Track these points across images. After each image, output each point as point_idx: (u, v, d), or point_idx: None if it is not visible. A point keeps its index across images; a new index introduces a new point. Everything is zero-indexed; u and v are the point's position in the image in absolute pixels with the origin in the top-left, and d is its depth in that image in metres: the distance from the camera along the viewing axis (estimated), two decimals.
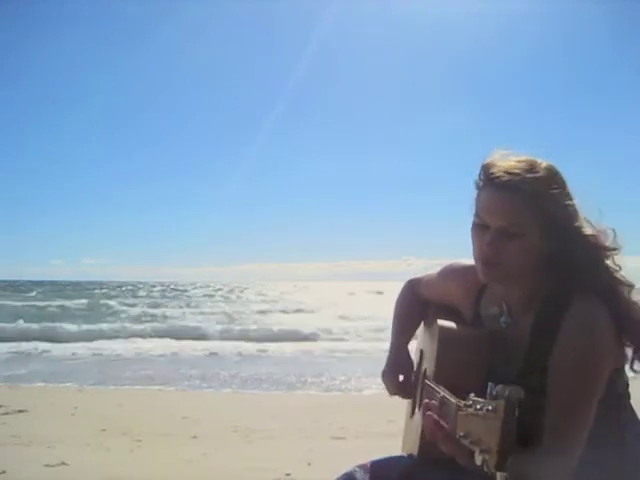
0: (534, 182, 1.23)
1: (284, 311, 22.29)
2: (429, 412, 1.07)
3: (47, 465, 3.81)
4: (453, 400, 1.02)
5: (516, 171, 1.24)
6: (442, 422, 1.04)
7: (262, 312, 21.32)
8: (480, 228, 1.29)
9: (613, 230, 1.30)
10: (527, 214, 1.23)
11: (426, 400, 1.13)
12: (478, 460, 0.89)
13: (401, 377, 1.59)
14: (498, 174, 1.25)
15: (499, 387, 0.88)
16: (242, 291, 40.58)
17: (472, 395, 0.96)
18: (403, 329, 1.65)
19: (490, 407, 0.87)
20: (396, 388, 1.59)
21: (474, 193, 1.34)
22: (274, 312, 21.79)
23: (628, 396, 1.34)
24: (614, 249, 1.29)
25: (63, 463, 3.86)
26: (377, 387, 7.33)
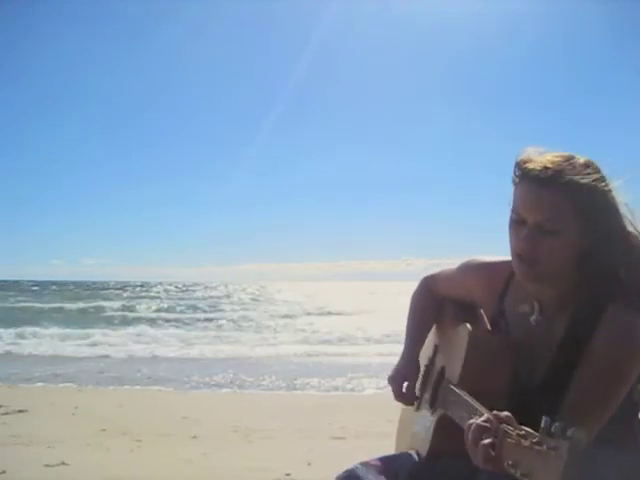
0: (572, 176, 1.20)
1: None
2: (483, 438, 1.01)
3: (47, 465, 3.81)
4: (499, 424, 0.99)
5: (552, 165, 1.22)
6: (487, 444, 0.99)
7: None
8: (517, 224, 1.26)
9: None
10: (565, 209, 1.21)
11: (479, 422, 1.04)
12: None
13: (405, 384, 1.58)
14: (534, 168, 1.23)
15: (558, 425, 0.86)
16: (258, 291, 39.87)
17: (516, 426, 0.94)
18: (417, 333, 1.64)
19: (551, 445, 0.85)
20: (401, 396, 1.58)
21: (511, 190, 1.30)
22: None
23: None
24: None
25: (63, 463, 3.86)
26: (377, 387, 7.35)
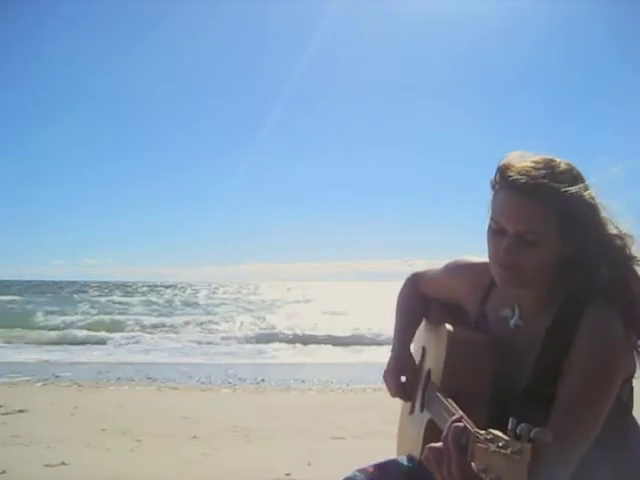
0: (552, 183, 1.18)
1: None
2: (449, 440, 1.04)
3: (47, 465, 3.82)
4: (471, 429, 1.00)
5: (534, 173, 1.19)
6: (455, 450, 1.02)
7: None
8: (497, 232, 1.25)
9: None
10: (545, 219, 1.19)
11: (457, 423, 1.07)
12: None
13: (403, 379, 1.56)
14: (515, 176, 1.20)
15: (523, 426, 0.86)
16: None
17: (487, 429, 0.94)
18: (406, 328, 1.63)
19: (515, 449, 0.85)
20: (398, 390, 1.56)
21: (490, 194, 1.30)
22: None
23: (632, 405, 1.33)
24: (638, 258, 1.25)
25: (63, 463, 3.86)
26: (377, 387, 7.34)
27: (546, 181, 1.19)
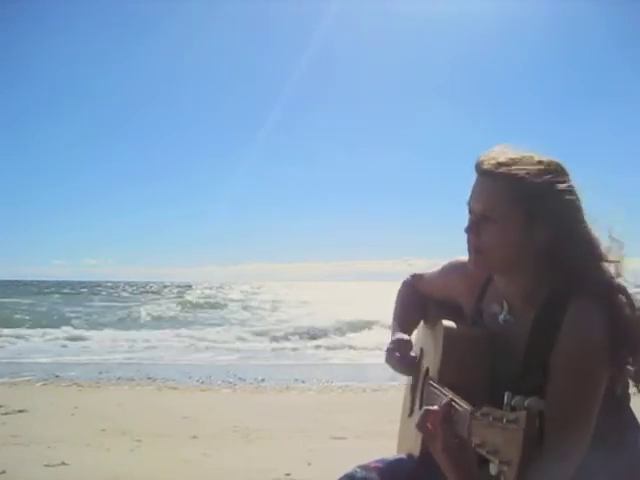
0: (515, 168, 1.24)
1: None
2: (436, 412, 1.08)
3: (47, 465, 3.82)
4: (467, 407, 1.01)
5: (501, 159, 1.26)
6: (445, 427, 1.05)
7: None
8: (469, 216, 1.31)
9: (615, 239, 1.29)
10: (507, 200, 1.24)
11: (435, 407, 1.12)
12: (494, 470, 0.89)
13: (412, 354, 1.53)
14: (484, 161, 1.28)
15: (518, 398, 0.88)
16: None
17: (484, 405, 0.96)
18: (405, 321, 1.64)
19: (511, 418, 0.87)
20: (399, 363, 1.52)
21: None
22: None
23: (628, 399, 1.33)
24: (613, 260, 1.28)
25: (63, 463, 3.86)
26: (377, 387, 7.34)
27: (509, 166, 1.25)
